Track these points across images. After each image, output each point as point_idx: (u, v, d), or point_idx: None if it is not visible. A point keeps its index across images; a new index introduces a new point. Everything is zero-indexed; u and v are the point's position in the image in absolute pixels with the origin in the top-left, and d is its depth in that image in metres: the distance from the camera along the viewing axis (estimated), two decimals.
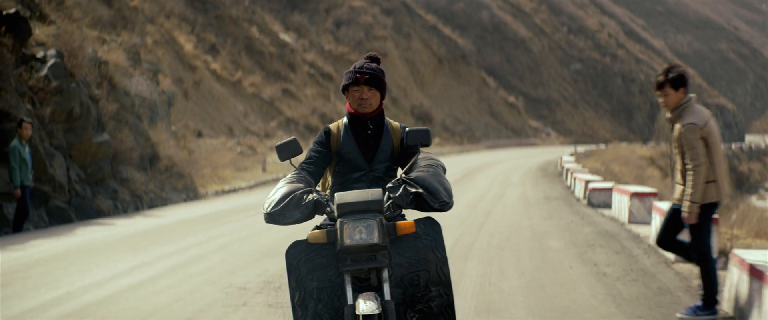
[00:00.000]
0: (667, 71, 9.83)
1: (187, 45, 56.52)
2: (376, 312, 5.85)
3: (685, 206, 9.78)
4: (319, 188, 6.95)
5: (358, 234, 5.93)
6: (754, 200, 57.90)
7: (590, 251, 14.72)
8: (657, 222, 15.07)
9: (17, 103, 18.42)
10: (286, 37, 73.32)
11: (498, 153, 67.03)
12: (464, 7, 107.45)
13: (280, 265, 13.81)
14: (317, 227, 6.58)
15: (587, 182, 25.76)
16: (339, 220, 5.99)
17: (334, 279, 6.23)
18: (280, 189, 6.28)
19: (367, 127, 6.64)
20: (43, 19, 22.86)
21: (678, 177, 10.12)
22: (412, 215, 6.49)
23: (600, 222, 19.64)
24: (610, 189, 23.13)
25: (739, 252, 10.70)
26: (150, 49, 46.47)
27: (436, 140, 73.18)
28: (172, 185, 28.12)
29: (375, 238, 5.94)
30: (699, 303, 10.12)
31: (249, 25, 68.60)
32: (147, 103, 32.15)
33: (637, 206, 19.24)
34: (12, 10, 19.49)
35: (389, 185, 6.34)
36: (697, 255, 10.00)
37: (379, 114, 6.71)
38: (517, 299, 10.71)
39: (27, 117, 17.93)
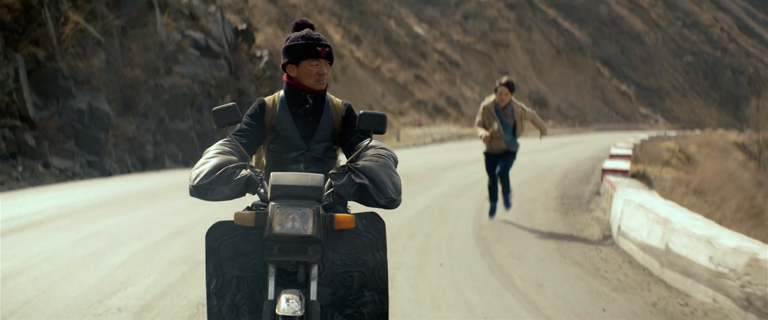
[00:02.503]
0: None
1: (336, 36, 62.21)
2: (298, 313, 5.06)
3: None
4: (253, 165, 6.18)
5: (291, 222, 5.12)
6: None
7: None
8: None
9: (248, 86, 29.00)
10: (419, 29, 78.78)
11: (602, 135, 69.78)
12: (584, 2, 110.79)
13: None
14: (248, 208, 5.83)
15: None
16: (271, 203, 5.18)
17: (257, 268, 5.41)
18: (210, 160, 5.40)
19: (305, 101, 5.88)
20: (256, 30, 33.72)
21: None
22: (356, 209, 5.88)
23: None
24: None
25: (607, 166, 18.23)
26: None
27: (549, 122, 76.61)
28: None
29: (309, 229, 5.12)
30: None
31: (387, 19, 74.69)
32: None
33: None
34: (244, 26, 30.16)
35: (332, 171, 5.51)
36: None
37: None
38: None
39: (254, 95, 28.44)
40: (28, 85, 21.20)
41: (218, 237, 5.38)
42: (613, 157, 25.84)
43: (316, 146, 5.91)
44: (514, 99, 15.26)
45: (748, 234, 13.38)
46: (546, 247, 12.85)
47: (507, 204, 15.53)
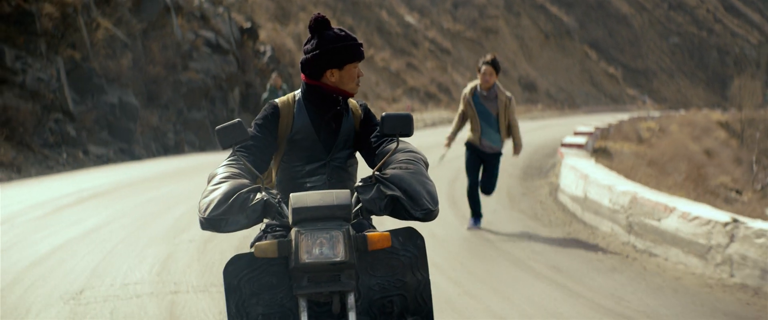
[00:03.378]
0: None
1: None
2: None
3: None
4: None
5: (319, 248, 4.55)
6: None
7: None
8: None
9: (254, 79, 32.71)
10: (411, 19, 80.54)
11: (589, 117, 70.34)
12: None
13: None
14: (263, 231, 5.30)
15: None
16: (294, 229, 4.59)
17: (285, 302, 4.79)
18: (219, 186, 4.77)
19: (335, 104, 5.28)
20: (259, 27, 37.33)
21: None
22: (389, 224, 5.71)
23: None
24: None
25: (566, 141, 21.28)
26: (304, 34, 54.82)
27: (538, 105, 79.99)
28: None
29: (340, 254, 4.55)
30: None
31: (380, 9, 76.38)
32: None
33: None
34: (249, 25, 33.82)
35: (358, 185, 4.87)
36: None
37: None
38: None
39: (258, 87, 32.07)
40: (67, 83, 24.70)
41: (238, 273, 4.78)
42: (576, 134, 27.99)
43: (338, 154, 5.33)
44: (498, 83, 13.19)
45: (688, 196, 16.90)
46: (500, 201, 16.57)
47: (474, 223, 13.66)
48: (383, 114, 5.02)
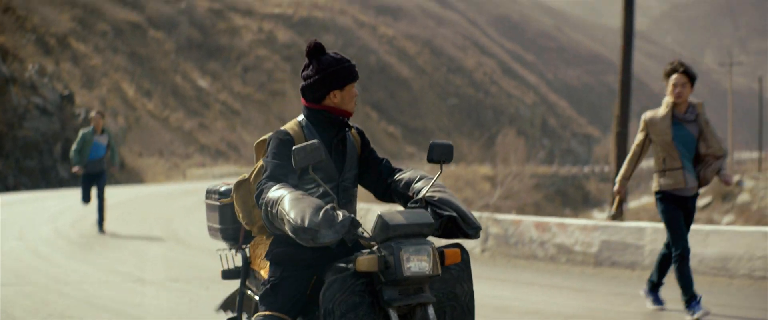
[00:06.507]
0: None
1: (129, 91, 70.84)
2: None
3: None
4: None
5: (417, 262, 4.88)
6: (596, 213, 68.68)
7: None
8: None
9: (73, 135, 42.76)
10: (203, 83, 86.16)
11: None
12: (355, 52, 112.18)
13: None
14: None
15: None
16: (389, 244, 4.90)
17: (365, 318, 4.99)
18: (300, 199, 4.87)
19: (342, 127, 5.53)
20: (75, 93, 47.31)
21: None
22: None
23: None
24: None
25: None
26: (106, 97, 63.66)
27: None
28: (127, 178, 50.03)
29: (434, 268, 4.95)
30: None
31: (174, 74, 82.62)
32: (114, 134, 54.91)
33: None
34: (67, 92, 43.95)
35: (410, 206, 5.34)
36: None
37: None
38: None
39: None
40: None
41: (333, 297, 4.90)
42: None
43: (347, 175, 5.57)
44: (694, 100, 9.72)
45: None
46: None
47: (695, 308, 9.53)
48: (431, 142, 5.40)
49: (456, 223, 5.22)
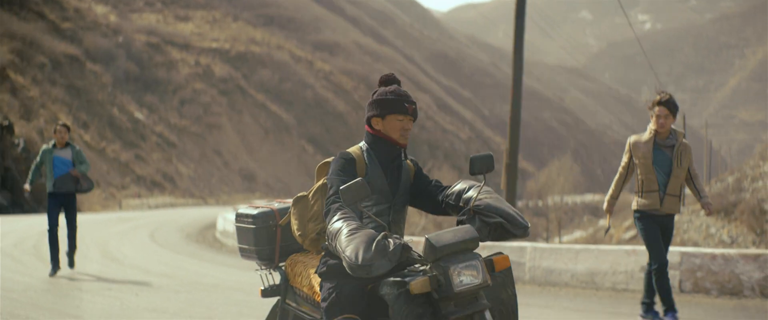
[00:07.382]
0: None
1: (67, 122, 63.63)
2: None
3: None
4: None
5: (467, 276, 5.14)
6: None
7: None
8: None
9: (12, 164, 44.68)
10: (140, 115, 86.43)
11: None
12: (291, 87, 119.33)
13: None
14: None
15: None
16: (440, 264, 5.13)
17: None
18: (355, 235, 5.17)
19: (395, 152, 5.84)
20: (14, 123, 49.07)
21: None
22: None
23: None
24: None
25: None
26: (44, 127, 62.72)
27: (257, 193, 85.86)
28: None
29: (486, 278, 5.22)
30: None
31: (111, 106, 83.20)
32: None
33: None
34: (6, 122, 45.69)
35: (460, 218, 5.62)
36: None
37: None
38: None
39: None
40: None
41: (400, 310, 5.13)
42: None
43: (400, 198, 5.86)
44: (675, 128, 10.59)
45: None
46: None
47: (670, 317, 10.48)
48: (471, 157, 5.59)
49: (504, 227, 5.48)
